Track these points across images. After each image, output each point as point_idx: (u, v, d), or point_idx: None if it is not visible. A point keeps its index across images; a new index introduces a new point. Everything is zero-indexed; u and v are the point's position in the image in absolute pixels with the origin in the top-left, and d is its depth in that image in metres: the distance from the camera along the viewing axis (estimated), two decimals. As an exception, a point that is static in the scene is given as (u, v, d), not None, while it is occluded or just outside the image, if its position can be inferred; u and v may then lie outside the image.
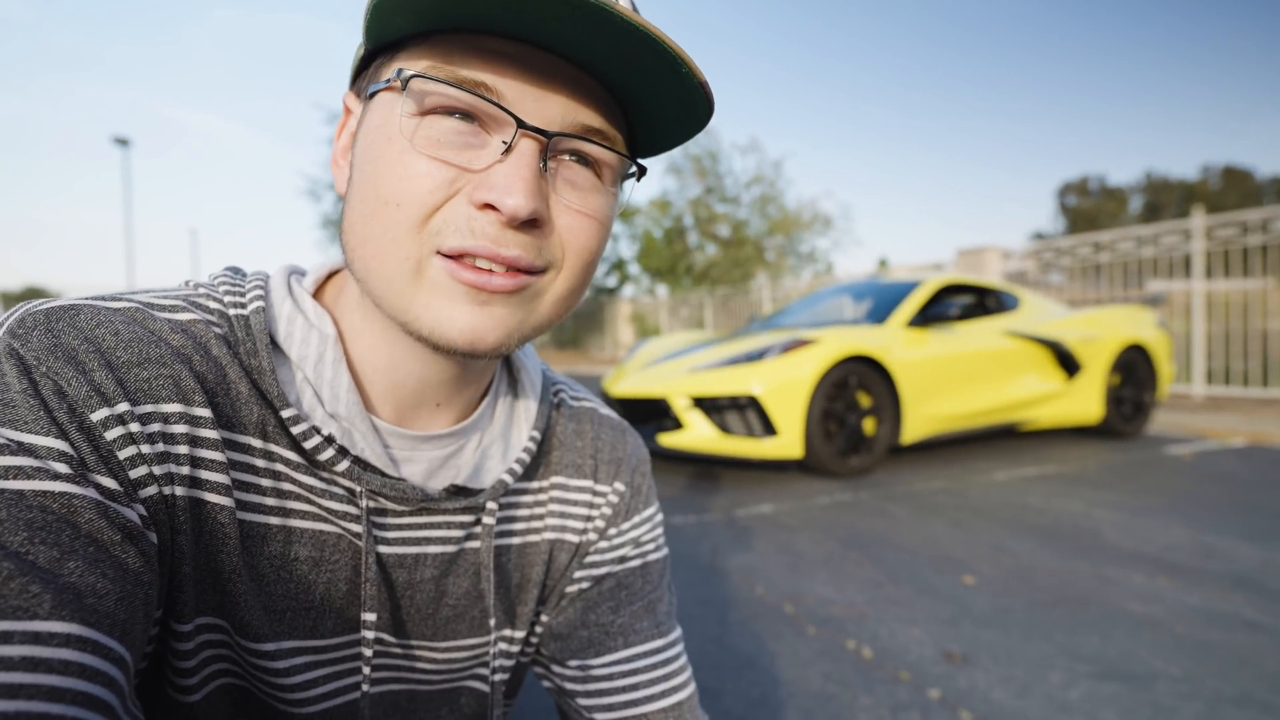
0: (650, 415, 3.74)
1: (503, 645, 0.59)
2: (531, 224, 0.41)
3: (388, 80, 0.41)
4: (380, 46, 0.43)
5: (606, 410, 0.66)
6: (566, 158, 0.43)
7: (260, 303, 0.47)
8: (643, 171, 0.48)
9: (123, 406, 0.38)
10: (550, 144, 0.41)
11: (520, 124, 0.39)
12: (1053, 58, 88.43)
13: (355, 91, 0.46)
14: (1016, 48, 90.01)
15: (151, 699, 0.45)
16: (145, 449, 0.39)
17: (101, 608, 0.33)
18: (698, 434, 3.50)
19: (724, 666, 1.56)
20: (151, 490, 0.39)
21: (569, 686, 0.60)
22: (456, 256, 0.40)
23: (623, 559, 0.62)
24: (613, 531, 0.62)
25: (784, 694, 1.44)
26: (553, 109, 0.40)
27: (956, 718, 1.35)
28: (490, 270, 0.41)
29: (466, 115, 0.40)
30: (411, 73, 0.39)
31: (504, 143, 0.40)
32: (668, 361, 4.05)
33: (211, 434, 0.42)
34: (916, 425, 3.82)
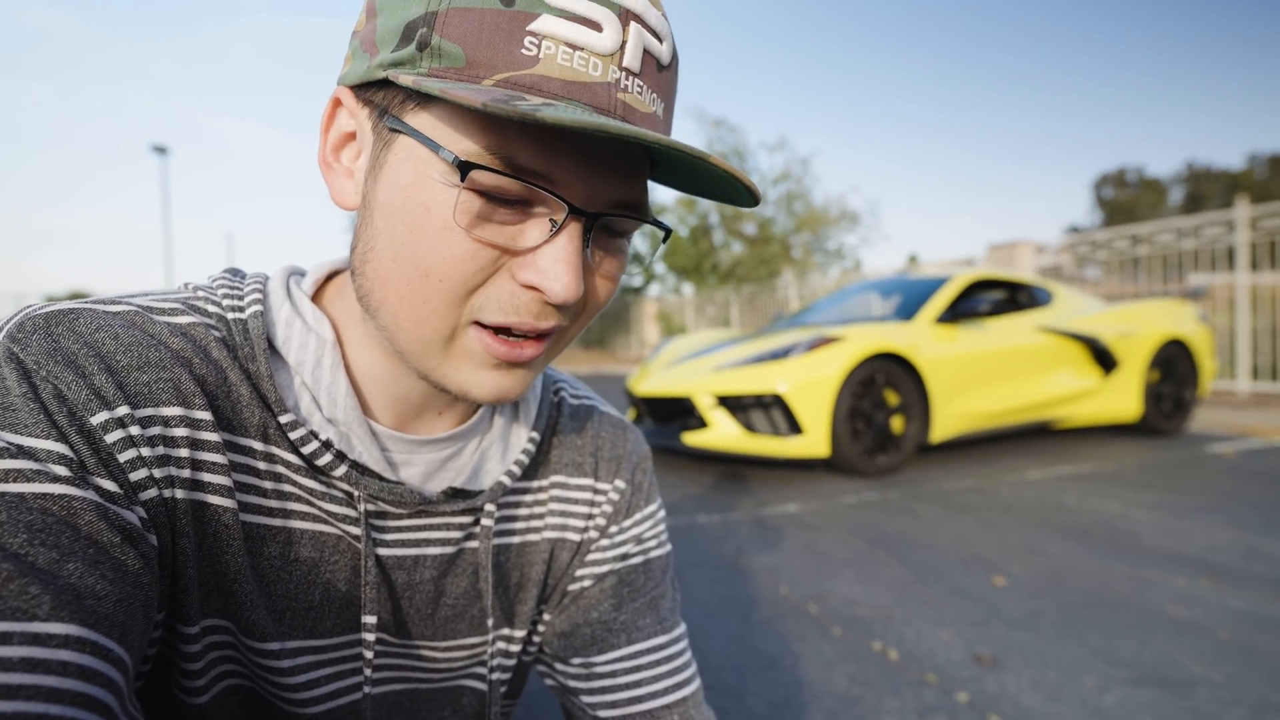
0: (675, 414, 3.73)
1: (502, 645, 0.58)
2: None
3: (435, 147, 0.38)
4: None
5: (607, 407, 0.66)
6: (602, 228, 0.43)
7: (258, 306, 0.46)
8: (668, 234, 0.48)
9: (122, 410, 0.38)
10: (595, 222, 0.41)
11: (572, 209, 0.39)
12: (1088, 48, 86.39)
13: (360, 98, 0.42)
14: (1049, 38, 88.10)
15: (159, 701, 0.45)
16: (145, 452, 0.39)
17: (101, 609, 0.33)
18: (723, 433, 3.48)
19: (747, 667, 1.55)
20: (152, 493, 0.39)
21: (573, 685, 0.60)
22: (493, 329, 0.41)
23: (624, 556, 0.61)
24: (614, 529, 0.61)
25: (808, 695, 1.42)
26: (599, 189, 0.40)
27: (986, 722, 1.32)
28: (520, 343, 0.42)
29: (516, 197, 0.39)
30: (469, 161, 0.37)
31: (552, 222, 0.39)
32: (692, 360, 4.03)
33: (212, 437, 0.42)
34: (946, 423, 3.75)
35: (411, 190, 0.39)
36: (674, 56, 0.42)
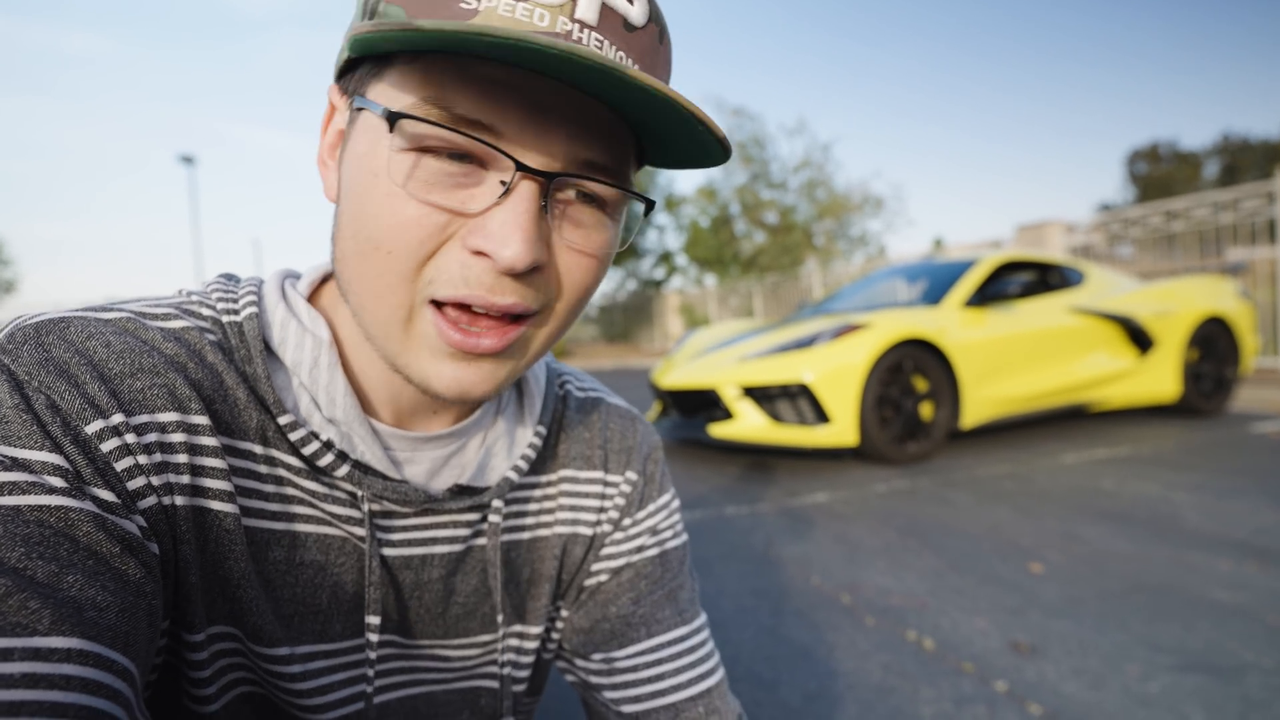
0: (700, 406, 3.72)
1: (515, 641, 0.58)
2: (530, 269, 0.39)
3: (373, 107, 0.38)
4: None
5: (614, 399, 0.65)
6: (570, 194, 0.41)
7: (253, 308, 0.46)
8: (651, 206, 0.45)
9: (117, 418, 0.38)
10: (552, 184, 0.39)
11: (520, 166, 0.37)
12: (1115, 20, 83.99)
13: (341, 88, 0.43)
14: (1075, 13, 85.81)
15: (171, 713, 0.45)
16: (142, 459, 0.38)
17: (102, 620, 0.33)
18: (749, 424, 3.46)
19: (779, 658, 1.54)
20: (150, 501, 0.38)
21: (594, 680, 0.59)
22: (449, 306, 0.39)
23: (640, 549, 0.60)
24: (627, 522, 0.60)
25: (842, 686, 1.41)
26: (555, 145, 0.38)
27: (1025, 711, 1.29)
28: (479, 333, 0.40)
29: (461, 153, 0.38)
30: (399, 112, 0.36)
31: (502, 183, 0.38)
32: (717, 351, 4.02)
33: (211, 441, 0.41)
34: (977, 409, 3.69)
35: (364, 159, 0.39)
36: (652, 20, 0.40)
